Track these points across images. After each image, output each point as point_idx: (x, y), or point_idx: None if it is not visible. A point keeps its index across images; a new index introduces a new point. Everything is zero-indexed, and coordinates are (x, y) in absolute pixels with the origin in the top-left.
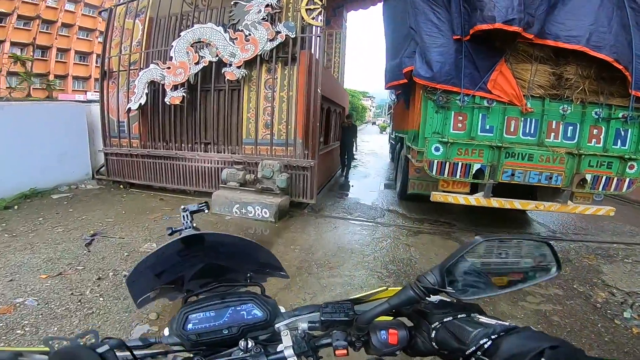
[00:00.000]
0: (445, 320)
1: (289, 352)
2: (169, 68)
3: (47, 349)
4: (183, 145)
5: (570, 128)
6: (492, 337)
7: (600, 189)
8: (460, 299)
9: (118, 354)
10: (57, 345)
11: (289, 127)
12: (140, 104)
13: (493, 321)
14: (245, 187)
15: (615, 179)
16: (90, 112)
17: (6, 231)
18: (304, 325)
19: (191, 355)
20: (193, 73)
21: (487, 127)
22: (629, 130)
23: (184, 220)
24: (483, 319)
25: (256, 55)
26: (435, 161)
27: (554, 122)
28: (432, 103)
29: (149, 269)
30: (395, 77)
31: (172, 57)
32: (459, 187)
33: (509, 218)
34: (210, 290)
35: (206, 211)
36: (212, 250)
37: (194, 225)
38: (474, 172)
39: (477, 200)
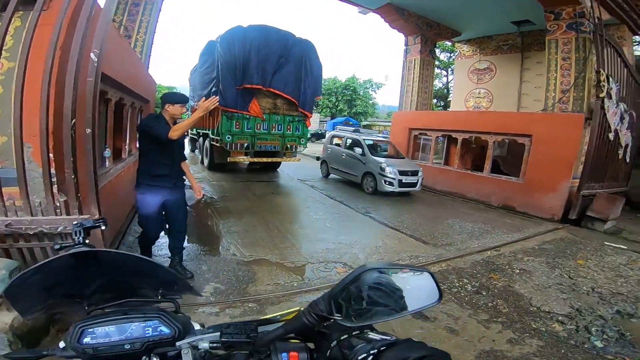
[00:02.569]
0: (341, 338)
1: None
2: None
3: None
4: None
5: (280, 125)
6: (372, 351)
7: (293, 150)
8: (347, 325)
9: None
10: None
11: (6, 139)
12: None
13: (379, 337)
14: None
15: (299, 146)
16: None
17: None
18: (204, 345)
19: None
20: None
21: (248, 127)
22: (299, 125)
23: (75, 235)
24: (372, 335)
25: None
26: (228, 143)
27: (274, 124)
28: (226, 116)
29: (33, 283)
30: None
31: None
32: (240, 155)
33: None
34: (116, 305)
35: (103, 227)
36: (113, 268)
37: (87, 241)
38: (245, 147)
39: (248, 159)
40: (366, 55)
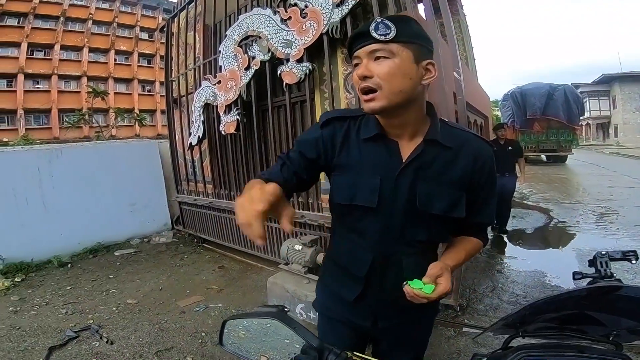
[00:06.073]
0: None
1: None
2: (219, 82)
3: None
4: None
5: (554, 135)
6: None
7: (567, 148)
8: None
9: None
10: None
11: None
12: (199, 136)
13: None
14: (316, 275)
15: (571, 146)
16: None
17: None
18: None
19: None
20: (245, 84)
21: (534, 137)
22: (569, 133)
23: (600, 267)
24: None
25: (321, 35)
26: (525, 147)
27: (551, 134)
28: (521, 133)
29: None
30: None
31: (221, 66)
32: (531, 152)
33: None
34: (552, 336)
35: (633, 262)
36: (599, 302)
37: (614, 274)
38: (533, 148)
39: (538, 154)
40: None
